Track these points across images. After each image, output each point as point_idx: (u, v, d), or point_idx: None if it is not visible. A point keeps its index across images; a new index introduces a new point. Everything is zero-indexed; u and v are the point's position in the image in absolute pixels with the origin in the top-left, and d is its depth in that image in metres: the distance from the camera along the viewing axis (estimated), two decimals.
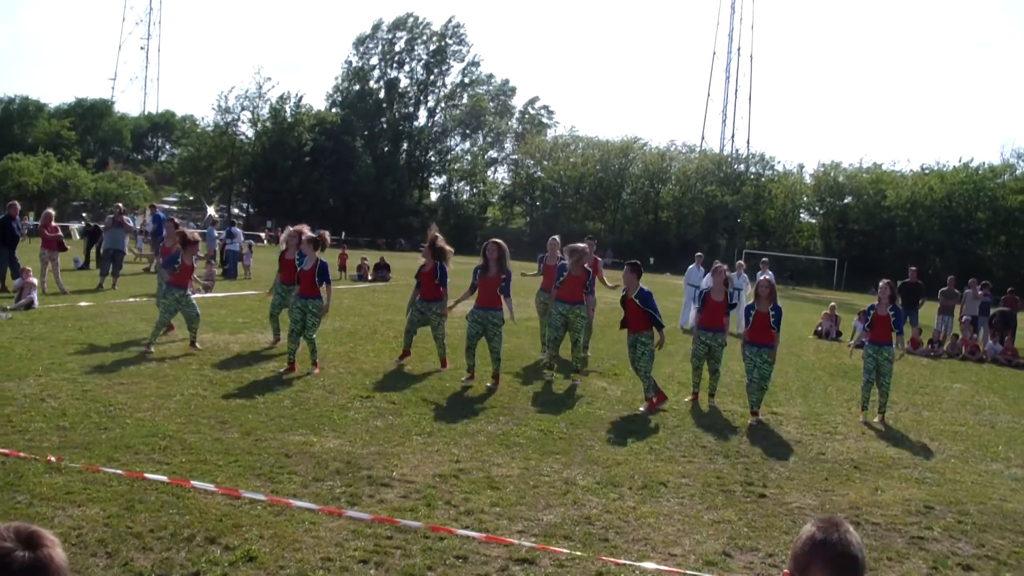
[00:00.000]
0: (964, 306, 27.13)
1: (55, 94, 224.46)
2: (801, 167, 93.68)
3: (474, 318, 13.83)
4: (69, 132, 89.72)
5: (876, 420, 13.54)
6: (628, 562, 6.66)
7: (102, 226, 27.98)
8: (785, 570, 2.86)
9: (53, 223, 23.00)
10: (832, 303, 30.29)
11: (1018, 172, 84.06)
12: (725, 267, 14.48)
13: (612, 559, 6.69)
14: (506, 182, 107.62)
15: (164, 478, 7.63)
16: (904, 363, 20.27)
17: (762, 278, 13.97)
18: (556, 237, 15.98)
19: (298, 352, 13.85)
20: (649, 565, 6.62)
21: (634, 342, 13.26)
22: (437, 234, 15.09)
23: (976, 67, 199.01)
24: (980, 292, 27.33)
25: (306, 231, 14.88)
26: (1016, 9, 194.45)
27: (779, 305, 13.20)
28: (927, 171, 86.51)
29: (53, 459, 7.89)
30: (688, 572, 6.56)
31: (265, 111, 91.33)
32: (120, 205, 27.94)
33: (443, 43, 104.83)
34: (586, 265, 14.60)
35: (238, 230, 35.49)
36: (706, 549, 7.11)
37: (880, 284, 14.30)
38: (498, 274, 13.79)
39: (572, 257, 14.48)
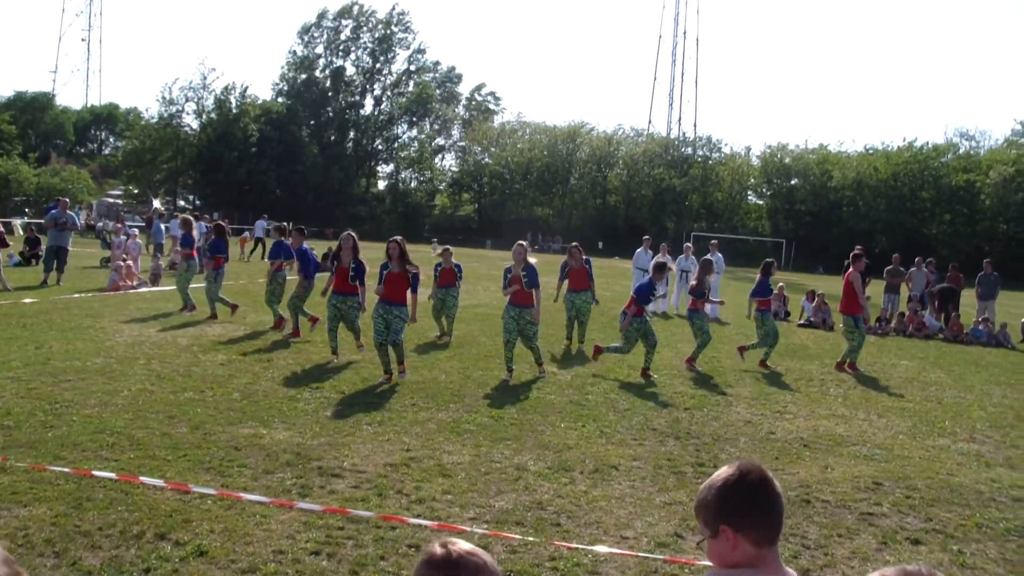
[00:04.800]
0: (911, 284, 27.43)
1: None
2: (748, 149, 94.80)
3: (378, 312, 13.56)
4: (9, 126, 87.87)
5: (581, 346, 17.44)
6: (580, 546, 6.68)
7: (43, 221, 27.52)
8: (724, 526, 2.62)
9: None
10: (780, 283, 30.44)
11: (961, 151, 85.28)
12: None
13: (564, 544, 6.70)
14: (454, 169, 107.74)
15: (112, 475, 7.54)
16: None
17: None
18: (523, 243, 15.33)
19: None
20: (601, 548, 6.64)
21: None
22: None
23: (921, 48, 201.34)
24: (925, 270, 27.65)
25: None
26: None
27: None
28: (871, 151, 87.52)
29: None
30: (640, 554, 6.58)
31: (210, 102, 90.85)
32: (66, 200, 27.48)
33: (388, 31, 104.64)
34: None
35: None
36: (658, 531, 7.14)
37: (569, 247, 18.05)
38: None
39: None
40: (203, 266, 21.03)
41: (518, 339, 13.91)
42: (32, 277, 24.47)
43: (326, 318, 14.88)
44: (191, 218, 21.76)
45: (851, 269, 16.89)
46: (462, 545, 2.37)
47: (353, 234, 14.73)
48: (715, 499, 2.64)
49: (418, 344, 16.36)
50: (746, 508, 2.61)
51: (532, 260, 14.14)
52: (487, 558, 2.35)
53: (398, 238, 13.57)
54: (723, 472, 2.69)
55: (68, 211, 25.62)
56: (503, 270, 14.49)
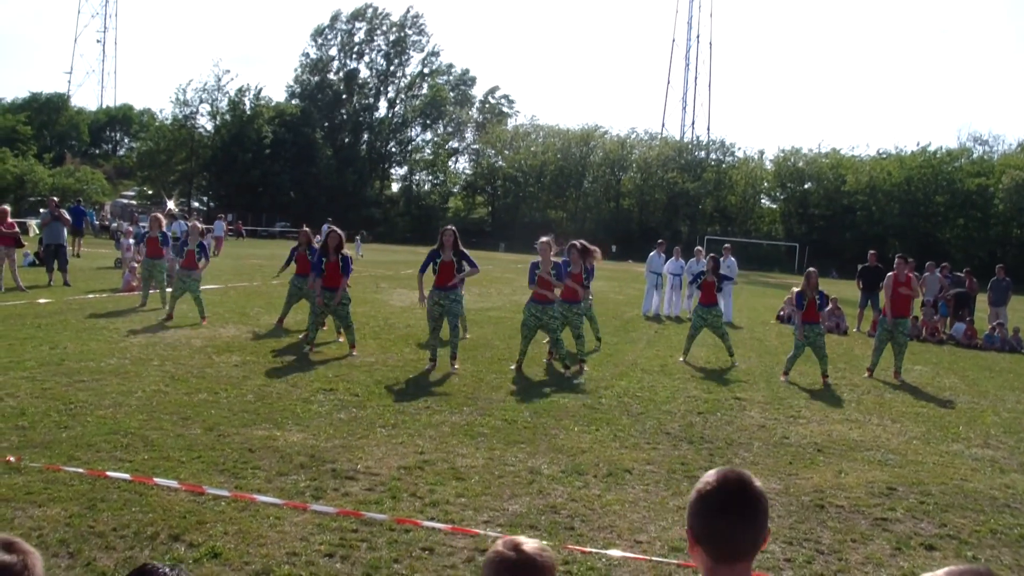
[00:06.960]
0: (924, 289, 27.35)
1: (9, 88, 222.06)
2: (761, 153, 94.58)
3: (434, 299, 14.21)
4: (25, 127, 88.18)
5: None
6: (594, 550, 6.66)
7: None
8: (688, 529, 2.55)
9: (9, 219, 22.67)
10: (794, 288, 30.27)
11: (975, 156, 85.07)
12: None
13: (578, 547, 6.69)
14: (467, 172, 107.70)
15: (126, 476, 7.55)
16: (866, 346, 20.44)
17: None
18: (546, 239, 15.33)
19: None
20: (615, 552, 6.63)
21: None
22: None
23: (935, 53, 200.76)
24: (939, 274, 27.55)
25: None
26: None
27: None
28: (885, 156, 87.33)
29: (12, 459, 7.79)
30: (654, 558, 6.57)
31: (224, 104, 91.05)
32: (55, 198, 27.71)
33: (402, 33, 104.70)
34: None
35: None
36: (672, 535, 7.12)
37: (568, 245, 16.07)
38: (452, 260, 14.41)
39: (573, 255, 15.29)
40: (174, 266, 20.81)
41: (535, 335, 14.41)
42: (47, 278, 24.54)
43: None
44: (161, 216, 21.65)
45: (908, 273, 17.63)
46: (531, 544, 2.35)
47: (336, 229, 15.62)
48: (690, 502, 2.54)
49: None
50: (704, 519, 2.49)
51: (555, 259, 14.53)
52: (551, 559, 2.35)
53: (453, 228, 14.37)
54: (706, 475, 2.58)
55: (60, 208, 26.05)
56: (530, 264, 14.67)
